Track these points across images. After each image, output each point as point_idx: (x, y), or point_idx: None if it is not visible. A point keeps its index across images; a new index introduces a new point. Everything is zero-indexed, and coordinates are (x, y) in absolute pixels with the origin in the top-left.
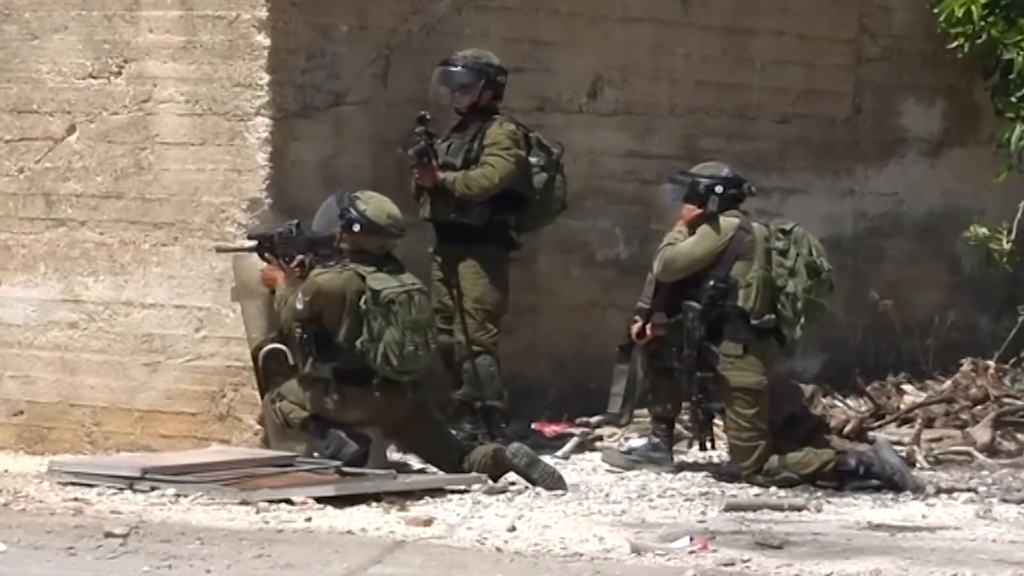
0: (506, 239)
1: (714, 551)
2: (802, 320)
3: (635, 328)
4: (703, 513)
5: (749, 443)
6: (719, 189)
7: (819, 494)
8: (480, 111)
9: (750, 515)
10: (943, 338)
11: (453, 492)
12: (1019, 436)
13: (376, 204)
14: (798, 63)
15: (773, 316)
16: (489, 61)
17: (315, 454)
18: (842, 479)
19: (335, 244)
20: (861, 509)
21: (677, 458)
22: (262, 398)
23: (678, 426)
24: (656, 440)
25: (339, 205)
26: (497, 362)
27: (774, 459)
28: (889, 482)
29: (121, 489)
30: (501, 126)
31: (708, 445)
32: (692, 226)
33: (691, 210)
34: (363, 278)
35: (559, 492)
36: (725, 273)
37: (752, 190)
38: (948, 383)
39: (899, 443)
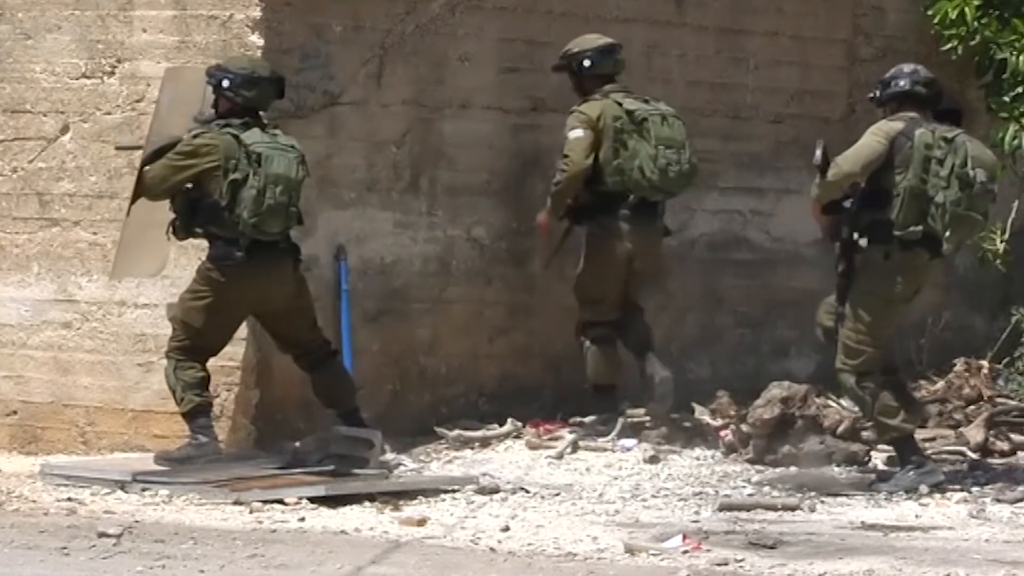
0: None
1: (707, 551)
2: (948, 233)
3: None
4: (697, 513)
5: (859, 345)
6: (898, 85)
7: (812, 494)
8: (584, 94)
9: (744, 515)
10: (937, 338)
11: (447, 492)
12: (1012, 436)
13: None
14: (792, 63)
15: (920, 228)
16: (569, 50)
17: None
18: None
19: None
20: (854, 509)
21: (671, 457)
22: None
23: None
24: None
25: None
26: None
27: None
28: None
29: (114, 489)
30: (572, 113)
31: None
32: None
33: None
34: None
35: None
36: (878, 180)
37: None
38: (941, 383)
39: None
